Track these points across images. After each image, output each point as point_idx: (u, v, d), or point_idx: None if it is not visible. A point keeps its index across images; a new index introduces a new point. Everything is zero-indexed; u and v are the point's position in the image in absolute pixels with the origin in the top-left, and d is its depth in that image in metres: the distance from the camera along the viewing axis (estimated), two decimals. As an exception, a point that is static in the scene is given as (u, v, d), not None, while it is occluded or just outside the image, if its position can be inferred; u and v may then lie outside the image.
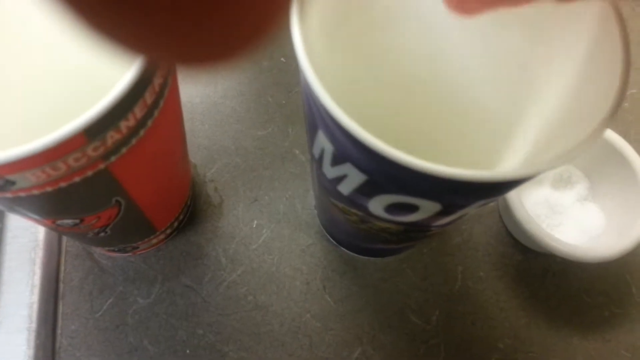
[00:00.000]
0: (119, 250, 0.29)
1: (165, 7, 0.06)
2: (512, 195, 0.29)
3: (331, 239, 0.32)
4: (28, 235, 0.30)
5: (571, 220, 0.32)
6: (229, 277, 0.31)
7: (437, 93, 0.26)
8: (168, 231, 0.30)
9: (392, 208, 0.20)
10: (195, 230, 0.32)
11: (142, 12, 0.06)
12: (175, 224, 0.30)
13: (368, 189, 0.19)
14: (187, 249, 0.32)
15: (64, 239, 0.31)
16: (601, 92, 0.16)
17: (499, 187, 0.16)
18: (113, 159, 0.18)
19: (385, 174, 0.17)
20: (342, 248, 0.32)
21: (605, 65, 0.17)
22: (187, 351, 0.29)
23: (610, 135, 0.31)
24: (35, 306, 0.29)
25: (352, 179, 0.19)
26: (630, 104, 0.38)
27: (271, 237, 0.32)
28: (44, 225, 0.22)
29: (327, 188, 0.23)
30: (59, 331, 0.29)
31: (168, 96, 0.19)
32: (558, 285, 0.32)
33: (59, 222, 0.21)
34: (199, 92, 0.37)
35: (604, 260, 0.28)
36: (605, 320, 0.31)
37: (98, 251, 0.30)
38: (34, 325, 0.28)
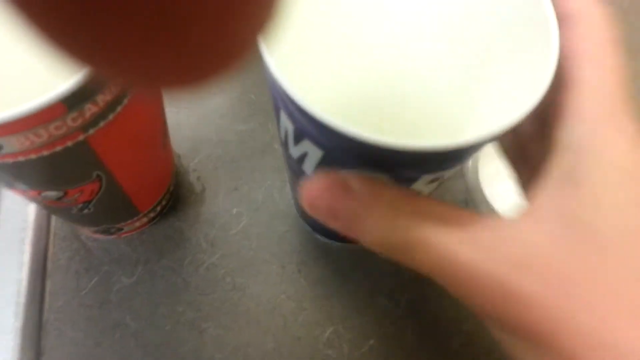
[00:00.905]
0: (104, 232, 0.31)
1: (137, 34, 0.06)
2: (477, 188, 0.31)
3: (306, 226, 0.34)
4: (19, 217, 0.32)
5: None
6: (209, 260, 0.33)
7: (402, 76, 0.28)
8: (151, 215, 0.32)
9: (350, 183, 0.21)
10: (177, 217, 0.34)
11: (115, 39, 0.06)
12: (158, 209, 0.32)
13: (326, 165, 0.21)
14: (169, 234, 0.33)
15: (53, 221, 0.33)
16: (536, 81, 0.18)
17: (436, 157, 0.18)
18: (91, 131, 0.19)
19: (335, 146, 0.18)
20: (317, 235, 0.34)
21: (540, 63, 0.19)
22: (167, 327, 0.31)
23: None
24: (24, 283, 0.30)
25: (312, 155, 0.21)
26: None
27: (250, 224, 0.34)
28: (32, 199, 0.24)
29: (295, 169, 0.25)
30: (46, 307, 0.31)
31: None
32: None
33: (44, 194, 0.22)
34: (186, 88, 0.38)
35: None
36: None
37: (85, 233, 0.32)
38: (22, 300, 0.30)
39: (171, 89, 0.08)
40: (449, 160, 0.19)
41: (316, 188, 0.18)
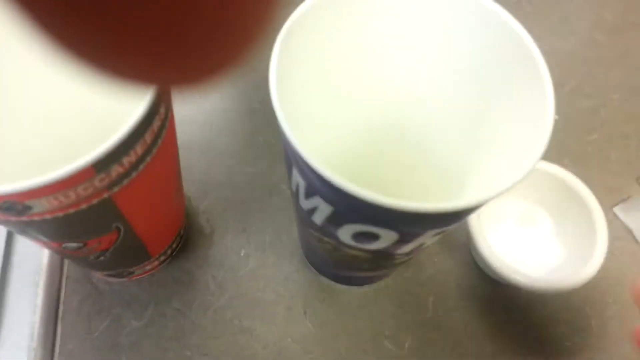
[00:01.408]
0: (116, 275, 0.32)
1: (141, 33, 0.07)
2: (477, 232, 0.32)
3: (312, 268, 0.35)
4: (33, 260, 0.33)
5: (534, 255, 0.35)
6: (217, 302, 0.33)
7: (405, 136, 0.29)
8: (162, 258, 0.33)
9: (358, 236, 0.22)
10: (187, 258, 0.35)
11: (120, 38, 0.07)
12: (169, 252, 0.33)
13: (335, 219, 0.22)
14: (178, 276, 0.34)
15: (66, 264, 0.34)
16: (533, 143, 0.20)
17: (438, 218, 0.19)
18: (115, 189, 0.20)
19: (345, 205, 0.19)
20: (322, 277, 0.35)
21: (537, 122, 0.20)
22: (176, 370, 0.31)
23: (571, 178, 0.34)
24: (37, 325, 0.31)
25: (322, 210, 0.22)
26: (593, 148, 0.41)
27: (257, 265, 0.35)
28: (51, 248, 0.25)
29: (304, 219, 0.26)
30: (57, 350, 0.31)
31: (165, 137, 0.22)
32: (523, 316, 0.34)
33: (64, 245, 0.23)
34: (196, 131, 0.40)
35: (563, 290, 0.31)
36: (567, 349, 0.34)
37: (97, 276, 0.33)
38: (34, 344, 0.31)
39: (178, 86, 0.08)
40: (453, 219, 0.20)
41: None
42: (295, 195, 0.24)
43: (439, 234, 0.22)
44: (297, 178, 0.22)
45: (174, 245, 0.33)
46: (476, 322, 0.34)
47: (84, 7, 0.06)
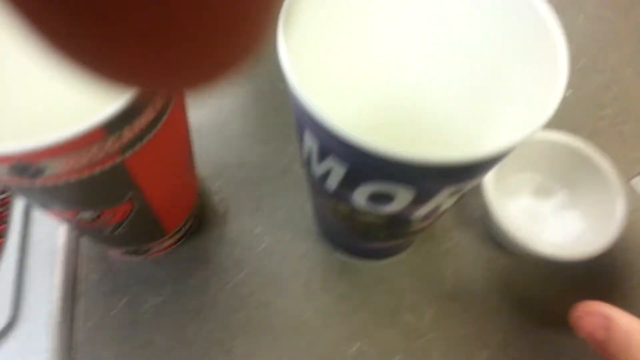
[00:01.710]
0: (133, 253, 0.32)
1: (140, 39, 0.07)
2: (494, 204, 0.31)
3: (328, 244, 0.35)
4: (50, 240, 0.33)
5: (552, 227, 0.34)
6: (234, 279, 0.33)
7: (420, 98, 0.29)
8: (177, 236, 0.33)
9: (372, 198, 0.22)
10: (202, 237, 0.35)
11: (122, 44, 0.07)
12: (184, 230, 0.33)
13: (350, 180, 0.21)
14: (195, 254, 0.34)
15: (82, 244, 0.34)
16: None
17: (457, 171, 0.19)
18: (128, 154, 0.20)
19: (360, 162, 0.19)
20: (339, 252, 0.34)
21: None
22: (196, 345, 0.31)
23: (586, 148, 0.33)
24: (55, 304, 0.31)
25: (336, 172, 0.22)
26: (606, 123, 0.40)
27: (272, 243, 0.35)
28: (67, 221, 0.25)
29: (318, 187, 0.25)
30: (76, 327, 0.32)
31: (175, 105, 0.22)
32: (541, 287, 0.34)
33: (79, 215, 0.23)
34: (207, 114, 0.40)
35: (581, 260, 0.30)
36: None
37: (114, 255, 0.33)
38: (54, 321, 0.31)
39: (187, 88, 0.08)
40: (470, 173, 0.20)
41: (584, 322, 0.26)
42: (308, 162, 0.24)
43: (455, 193, 0.22)
44: (310, 141, 0.22)
45: (189, 224, 0.33)
46: (495, 293, 0.33)
47: (97, 26, 0.06)
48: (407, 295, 0.33)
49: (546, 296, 0.33)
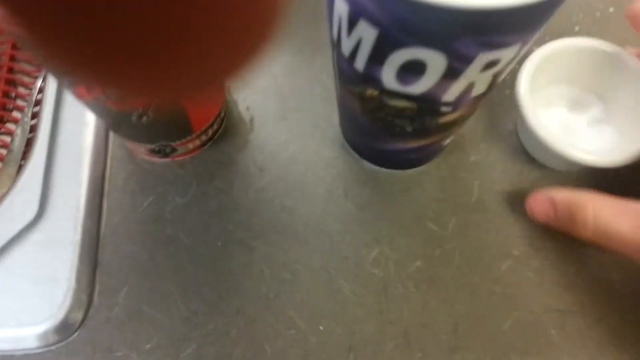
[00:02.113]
0: (159, 152, 0.32)
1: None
2: (529, 113, 0.31)
3: (354, 153, 0.34)
4: (78, 139, 0.34)
5: (586, 140, 0.33)
6: (258, 184, 0.34)
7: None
8: (203, 137, 0.33)
9: (403, 73, 0.22)
10: (227, 142, 0.35)
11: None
12: (210, 132, 0.33)
13: (380, 50, 0.21)
14: (220, 158, 0.34)
15: (111, 143, 0.34)
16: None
17: (495, 21, 0.18)
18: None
19: (393, 21, 0.19)
20: (364, 161, 0.34)
21: None
22: (219, 244, 0.32)
23: (624, 53, 0.32)
24: (83, 199, 0.32)
25: (365, 41, 0.21)
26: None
27: (298, 151, 0.35)
28: (94, 100, 0.25)
29: (345, 72, 0.25)
30: (103, 222, 0.32)
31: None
32: (573, 201, 0.33)
33: (107, 91, 0.23)
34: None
35: (616, 165, 0.29)
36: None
37: (140, 155, 0.33)
38: (80, 215, 0.31)
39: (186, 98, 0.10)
40: (513, 27, 0.19)
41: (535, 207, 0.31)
42: (337, 43, 0.24)
43: (490, 66, 0.21)
44: (340, 8, 0.21)
45: (215, 127, 0.33)
46: (521, 206, 0.33)
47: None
48: (431, 205, 0.33)
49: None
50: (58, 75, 0.21)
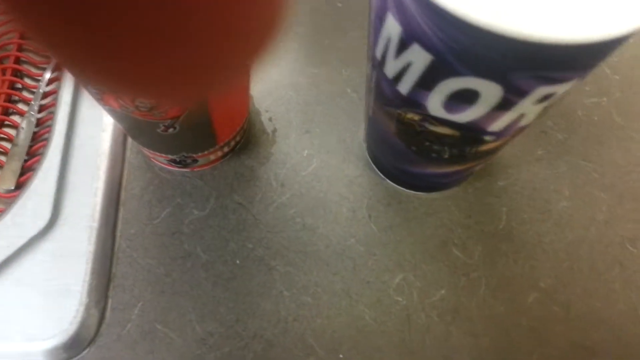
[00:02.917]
0: (180, 162, 0.31)
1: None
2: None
3: (378, 172, 0.33)
4: (95, 144, 0.32)
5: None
6: (279, 199, 0.32)
7: None
8: (225, 149, 0.31)
9: (452, 101, 0.21)
10: (248, 155, 0.34)
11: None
12: (232, 144, 0.32)
13: (430, 76, 0.20)
14: (240, 171, 0.33)
15: (128, 150, 0.33)
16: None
17: (561, 57, 0.17)
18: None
19: (451, 48, 0.18)
20: (389, 181, 0.33)
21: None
22: (237, 261, 0.30)
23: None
24: (98, 207, 0.31)
25: (416, 66, 0.20)
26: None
27: (320, 166, 0.33)
28: (122, 109, 0.23)
29: (385, 93, 0.24)
30: (118, 233, 0.31)
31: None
32: (603, 234, 0.32)
33: (138, 101, 0.22)
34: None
35: None
36: (650, 271, 0.31)
37: (159, 164, 0.32)
38: (95, 224, 0.30)
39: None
40: (582, 62, 0.18)
41: None
42: (381, 63, 0.23)
43: (545, 99, 0.20)
44: (390, 29, 0.20)
45: (238, 138, 0.32)
46: (551, 236, 0.32)
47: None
48: (457, 230, 0.32)
49: (606, 243, 0.32)
50: (91, 86, 0.20)
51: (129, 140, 0.33)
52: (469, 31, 0.16)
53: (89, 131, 0.32)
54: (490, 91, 0.19)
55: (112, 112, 0.24)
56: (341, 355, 0.28)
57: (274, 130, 0.34)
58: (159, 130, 0.26)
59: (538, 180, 0.33)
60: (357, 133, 0.34)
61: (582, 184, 0.34)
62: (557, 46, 0.16)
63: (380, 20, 0.20)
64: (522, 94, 0.19)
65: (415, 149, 0.27)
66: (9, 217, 0.30)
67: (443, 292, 0.30)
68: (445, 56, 0.18)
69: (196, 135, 0.28)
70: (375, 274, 0.31)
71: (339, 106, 0.35)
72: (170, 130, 0.26)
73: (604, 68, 0.38)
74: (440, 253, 0.31)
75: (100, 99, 0.23)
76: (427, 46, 0.18)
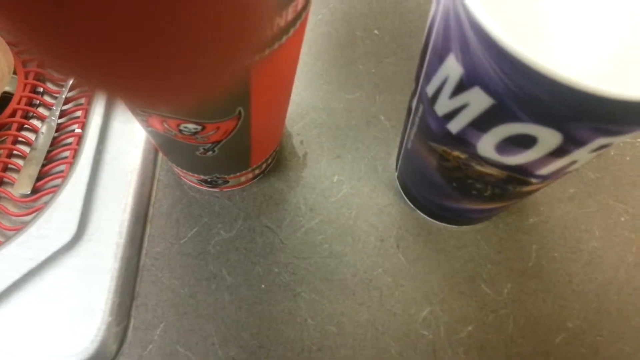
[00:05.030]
0: (210, 183, 0.31)
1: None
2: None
3: (408, 202, 0.33)
4: (126, 159, 0.32)
5: None
6: (307, 224, 0.32)
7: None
8: (256, 171, 0.31)
9: (505, 144, 0.20)
10: (278, 177, 0.33)
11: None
12: (264, 166, 0.31)
13: (487, 119, 0.20)
14: (269, 193, 0.33)
15: (158, 167, 0.33)
16: None
17: (621, 112, 0.17)
18: (257, 58, 0.19)
19: (517, 91, 0.17)
20: (419, 212, 0.33)
21: None
22: (263, 286, 0.30)
23: None
24: (126, 224, 0.30)
25: (473, 108, 0.20)
26: None
27: (350, 193, 0.33)
28: (165, 131, 0.23)
29: (431, 129, 0.24)
30: (144, 251, 0.30)
31: (300, 25, 0.20)
32: (633, 276, 0.32)
33: (183, 125, 0.22)
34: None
35: None
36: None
37: (188, 183, 0.32)
38: (122, 241, 0.30)
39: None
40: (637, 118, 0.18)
41: None
42: (432, 99, 0.22)
43: (603, 147, 0.20)
44: (450, 69, 0.20)
45: (269, 161, 0.32)
46: (581, 276, 0.31)
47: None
48: (486, 266, 0.32)
49: (635, 285, 0.31)
50: (131, 106, 0.20)
51: (160, 157, 0.33)
52: (536, 79, 0.16)
53: (121, 146, 0.32)
54: (548, 138, 0.19)
55: (154, 133, 0.24)
56: (366, 389, 0.28)
57: (305, 154, 0.34)
58: (197, 153, 0.25)
59: (569, 219, 0.33)
60: (389, 161, 0.34)
61: (612, 225, 0.33)
62: (622, 101, 0.15)
63: (439, 59, 0.20)
64: (580, 143, 0.19)
65: (456, 185, 0.26)
66: (34, 229, 0.30)
67: (470, 328, 0.30)
68: (506, 101, 0.18)
69: (233, 158, 0.27)
70: (402, 306, 0.30)
71: (371, 133, 0.35)
72: (209, 153, 0.25)
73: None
74: (468, 288, 0.31)
75: (145, 121, 0.23)
76: (490, 90, 0.18)
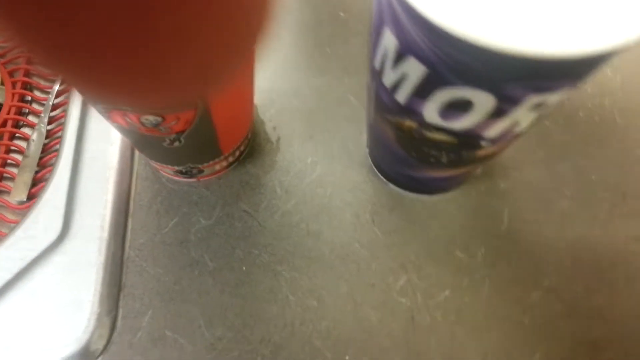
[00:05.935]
0: (186, 173, 0.32)
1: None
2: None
3: (381, 177, 0.34)
4: (104, 157, 0.33)
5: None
6: (284, 206, 0.33)
7: None
8: (230, 159, 0.32)
9: (447, 109, 0.21)
10: (253, 163, 0.34)
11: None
12: (237, 154, 0.32)
13: (426, 86, 0.20)
14: (245, 179, 0.34)
15: (136, 162, 0.34)
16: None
17: (547, 67, 0.17)
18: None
19: (446, 58, 0.18)
20: (392, 185, 0.34)
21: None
22: (244, 268, 0.31)
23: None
24: (108, 219, 0.31)
25: (411, 77, 0.21)
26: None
27: (324, 173, 0.34)
28: (129, 126, 0.24)
29: (384, 102, 0.24)
30: (127, 244, 0.32)
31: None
32: (605, 233, 0.32)
33: (144, 118, 0.23)
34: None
35: None
36: (651, 268, 0.32)
37: (166, 175, 0.33)
38: (105, 235, 0.31)
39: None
40: (570, 74, 0.18)
41: None
42: (379, 72, 0.23)
43: (537, 107, 0.20)
44: (388, 41, 0.20)
45: (242, 148, 0.33)
46: (554, 236, 0.32)
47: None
48: (460, 232, 0.33)
49: (607, 242, 0.32)
50: (96, 100, 0.21)
51: (137, 153, 0.34)
52: (460, 46, 0.17)
53: (98, 145, 0.33)
54: (483, 100, 0.20)
55: (120, 128, 0.25)
56: (347, 357, 0.29)
57: (278, 139, 0.35)
58: (164, 144, 0.26)
59: (540, 181, 0.34)
60: (360, 139, 0.35)
61: (583, 184, 0.34)
62: (547, 60, 0.16)
63: (377, 33, 0.21)
64: (514, 103, 0.20)
65: (415, 155, 0.27)
66: (21, 230, 0.31)
67: (447, 293, 0.31)
68: (438, 68, 0.19)
69: (201, 147, 0.28)
70: (379, 277, 0.31)
71: (341, 113, 0.36)
72: (176, 143, 0.26)
73: (606, 69, 0.38)
74: (443, 254, 0.32)
75: (108, 117, 0.24)
76: (422, 59, 0.19)
